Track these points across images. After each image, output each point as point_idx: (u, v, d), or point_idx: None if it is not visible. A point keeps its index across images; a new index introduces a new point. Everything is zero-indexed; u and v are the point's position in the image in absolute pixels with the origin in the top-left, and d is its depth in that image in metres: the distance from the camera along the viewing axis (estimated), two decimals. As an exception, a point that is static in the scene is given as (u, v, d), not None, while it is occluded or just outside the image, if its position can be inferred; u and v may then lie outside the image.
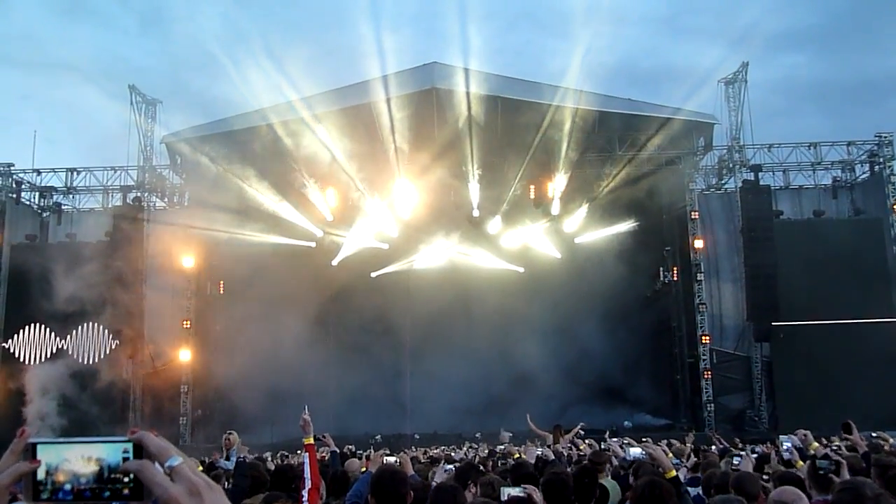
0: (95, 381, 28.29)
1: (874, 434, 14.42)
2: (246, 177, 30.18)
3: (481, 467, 9.33)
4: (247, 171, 30.20)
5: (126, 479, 1.35)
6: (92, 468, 1.36)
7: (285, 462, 14.12)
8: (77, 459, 1.37)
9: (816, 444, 7.91)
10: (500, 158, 29.69)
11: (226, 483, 8.02)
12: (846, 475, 5.50)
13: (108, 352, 29.93)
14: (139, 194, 31.95)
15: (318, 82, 29.63)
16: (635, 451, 9.27)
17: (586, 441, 13.82)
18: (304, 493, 5.80)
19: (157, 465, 1.35)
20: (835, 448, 9.58)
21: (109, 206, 32.57)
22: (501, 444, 16.99)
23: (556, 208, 31.16)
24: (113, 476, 1.36)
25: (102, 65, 63.42)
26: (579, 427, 15.88)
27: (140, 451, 1.36)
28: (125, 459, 1.36)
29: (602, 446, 12.87)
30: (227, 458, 10.40)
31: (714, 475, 7.18)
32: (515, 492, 5.20)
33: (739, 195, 30.68)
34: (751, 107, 30.99)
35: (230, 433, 11.11)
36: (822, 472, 5.60)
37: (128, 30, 72.49)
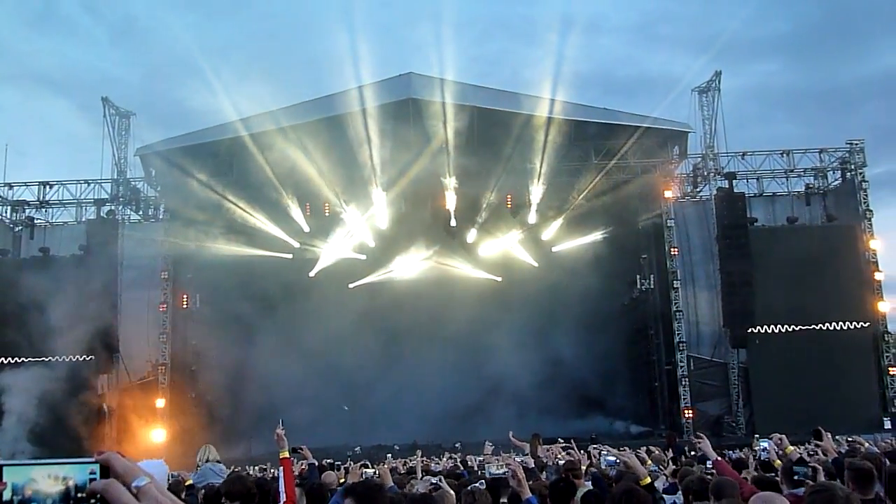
0: (70, 398, 27.90)
1: (849, 438, 14.57)
2: (221, 189, 30.02)
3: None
4: (222, 183, 30.05)
5: (93, 501, 1.34)
6: (58, 488, 1.35)
7: (264, 474, 13.99)
8: (43, 479, 1.35)
9: (792, 447, 7.98)
10: (477, 168, 29.74)
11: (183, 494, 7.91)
12: (822, 480, 5.54)
13: (82, 367, 29.54)
14: (113, 207, 31.64)
15: (294, 93, 29.68)
16: (610, 458, 9.29)
17: (565, 450, 13.82)
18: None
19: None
20: (811, 452, 9.66)
21: (83, 219, 32.24)
22: (482, 456, 16.95)
23: (532, 217, 31.28)
24: (79, 496, 1.35)
25: (74, 77, 62.98)
26: (559, 443, 15.86)
27: (107, 471, 1.36)
28: (92, 480, 1.35)
29: (585, 454, 12.88)
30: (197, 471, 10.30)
31: (691, 481, 7.19)
32: (500, 472, 5.20)
33: (714, 203, 30.97)
34: (724, 115, 31.39)
35: (206, 446, 10.98)
36: (797, 477, 5.66)
37: (99, 41, 71.94)
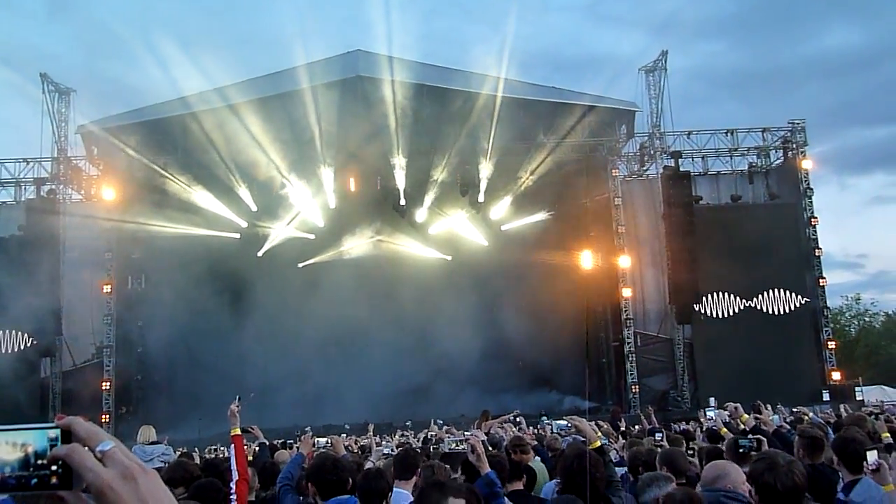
0: (12, 381, 27.32)
1: (794, 409, 15.03)
2: (166, 168, 29.50)
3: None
4: (167, 161, 29.53)
5: (54, 467, 1.26)
6: (17, 455, 1.27)
7: (215, 455, 13.86)
8: (1, 447, 1.27)
9: (746, 416, 8.18)
10: (426, 146, 29.68)
11: None
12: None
13: (24, 351, 28.95)
14: (54, 186, 30.89)
15: (240, 70, 29.20)
16: (560, 423, 9.42)
17: (517, 425, 13.99)
18: (232, 486, 5.69)
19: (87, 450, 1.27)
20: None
21: (23, 199, 31.44)
22: (432, 432, 17.03)
23: (482, 196, 31.34)
24: (40, 463, 1.27)
25: (10, 52, 60.93)
26: (513, 414, 16.06)
27: (69, 436, 1.27)
28: (53, 446, 1.27)
29: (536, 429, 13.06)
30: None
31: (639, 452, 7.33)
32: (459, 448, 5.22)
33: (660, 181, 31.39)
34: (671, 94, 31.74)
35: (142, 427, 10.85)
36: (742, 450, 5.80)
37: (35, 15, 69.76)
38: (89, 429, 1.28)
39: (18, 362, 28.30)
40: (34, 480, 1.27)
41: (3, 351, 28.54)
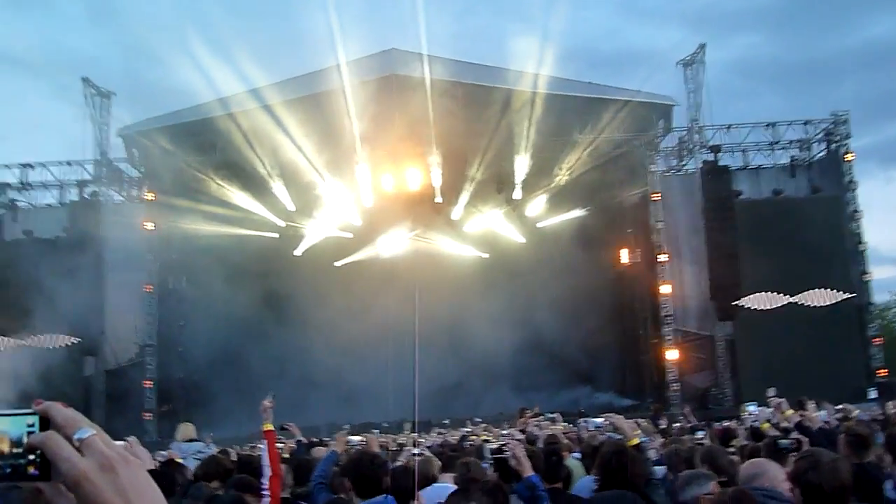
0: (57, 380, 27.79)
1: (838, 407, 14.71)
2: (205, 169, 29.81)
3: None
4: (206, 162, 29.85)
5: (31, 456, 1.18)
6: None
7: (251, 451, 13.95)
8: None
9: (791, 411, 8.00)
10: (462, 144, 29.61)
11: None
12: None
13: (69, 350, 29.45)
14: (96, 189, 31.41)
15: (277, 71, 29.36)
16: (596, 421, 9.31)
17: (555, 422, 13.89)
18: (265, 482, 5.68)
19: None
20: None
21: (66, 201, 32.01)
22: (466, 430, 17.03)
23: (518, 193, 31.20)
24: (15, 451, 1.18)
25: (52, 57, 62.10)
26: (535, 409, 15.96)
27: (47, 423, 1.19)
28: (30, 433, 1.18)
29: (574, 426, 12.97)
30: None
31: (679, 451, 7.21)
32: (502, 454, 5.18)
33: (700, 176, 30.98)
34: (709, 88, 31.31)
35: (181, 424, 10.96)
36: (783, 450, 5.66)
37: (76, 20, 70.91)
38: (67, 415, 1.20)
39: (63, 361, 28.80)
40: (9, 469, 1.19)
41: (48, 350, 29.04)
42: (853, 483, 3.85)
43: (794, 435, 6.52)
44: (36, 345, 28.55)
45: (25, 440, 1.18)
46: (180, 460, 9.08)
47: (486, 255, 32.59)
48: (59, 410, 1.20)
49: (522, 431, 12.32)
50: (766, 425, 8.47)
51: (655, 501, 4.90)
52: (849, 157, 31.27)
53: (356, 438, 8.51)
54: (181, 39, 29.41)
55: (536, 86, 27.91)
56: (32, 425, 1.19)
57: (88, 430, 1.18)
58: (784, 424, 7.79)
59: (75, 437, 1.17)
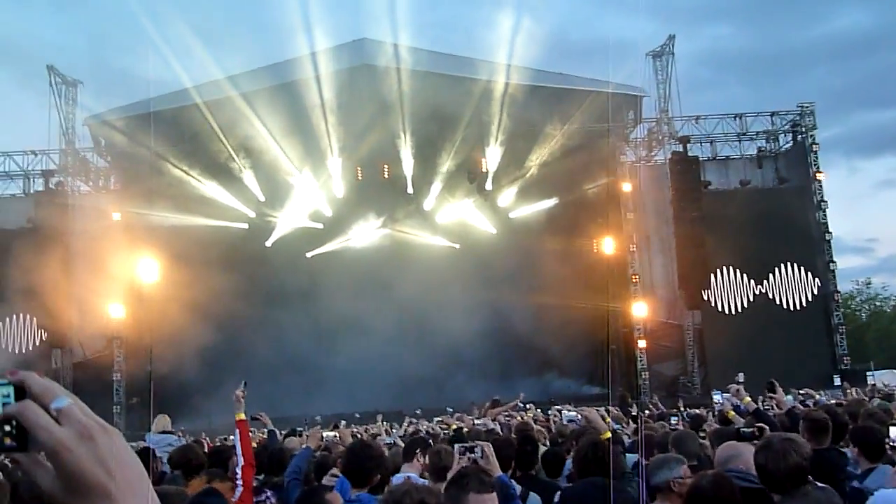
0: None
1: (801, 392, 14.97)
2: (174, 158, 29.51)
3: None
4: (174, 152, 29.55)
5: (7, 427, 1.14)
6: None
7: (223, 443, 13.90)
8: None
9: (748, 398, 8.16)
10: (433, 134, 29.60)
11: None
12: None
13: (36, 342, 29.10)
14: (62, 178, 31.00)
15: (246, 60, 29.15)
16: (570, 414, 9.38)
17: (525, 411, 14.01)
18: (238, 471, 5.67)
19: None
20: (766, 407, 9.88)
21: (31, 191, 31.54)
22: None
23: (489, 183, 31.25)
24: None
25: (16, 44, 60.84)
26: (519, 399, 16.15)
27: (23, 394, 1.15)
28: (6, 404, 1.15)
29: (547, 415, 13.08)
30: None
31: (652, 437, 7.32)
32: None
33: (669, 167, 31.25)
34: (678, 79, 31.59)
35: (158, 416, 10.90)
36: (744, 439, 5.77)
37: (41, 7, 69.61)
38: (44, 384, 1.16)
39: (31, 353, 28.45)
40: None
41: (15, 344, 28.66)
42: (810, 465, 3.94)
43: (745, 423, 6.66)
44: (2, 339, 28.15)
45: (1, 410, 1.15)
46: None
47: (458, 246, 32.61)
48: (36, 380, 1.17)
49: (494, 420, 12.42)
50: (731, 413, 8.61)
51: (627, 490, 4.97)
52: (815, 147, 31.65)
53: (330, 434, 8.50)
54: (149, 27, 29.09)
55: (507, 76, 27.96)
56: (8, 395, 1.16)
57: (65, 399, 1.16)
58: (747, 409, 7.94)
59: (52, 406, 1.14)
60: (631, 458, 6.74)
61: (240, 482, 5.55)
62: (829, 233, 31.01)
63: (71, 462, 1.12)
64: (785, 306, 29.84)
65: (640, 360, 29.95)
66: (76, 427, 1.14)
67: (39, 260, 27.48)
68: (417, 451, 6.19)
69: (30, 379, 1.16)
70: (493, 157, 30.18)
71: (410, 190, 31.22)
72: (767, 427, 6.12)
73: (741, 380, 9.41)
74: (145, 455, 8.53)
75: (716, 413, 11.16)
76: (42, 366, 28.89)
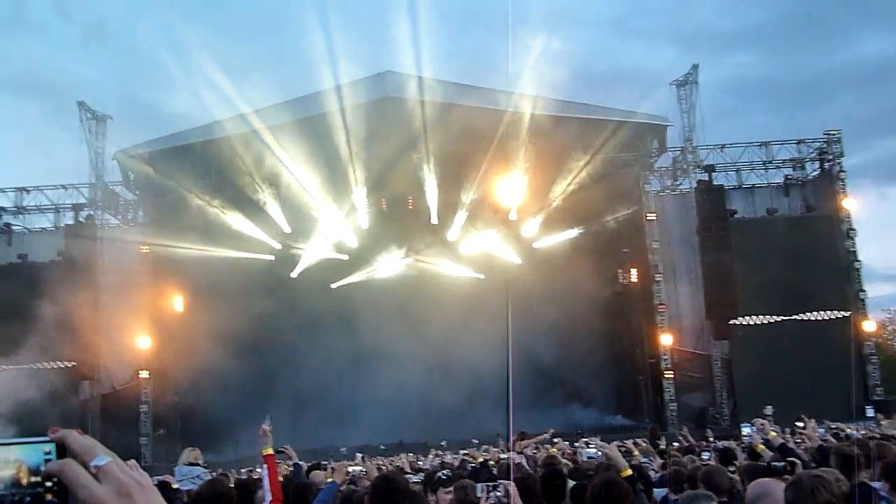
0: (52, 404, 27.65)
1: (832, 425, 14.69)
2: (201, 191, 29.85)
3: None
4: (201, 185, 29.89)
5: (49, 483, 1.19)
6: (9, 472, 1.20)
7: (249, 475, 13.88)
8: None
9: (774, 433, 8.03)
10: (457, 165, 29.72)
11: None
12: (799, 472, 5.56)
13: (65, 373, 29.32)
14: (91, 212, 31.42)
15: (272, 94, 29.51)
16: (590, 451, 9.28)
17: (553, 445, 13.89)
18: (266, 506, 5.67)
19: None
20: (797, 440, 9.72)
21: (61, 225, 31.99)
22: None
23: (513, 214, 31.26)
24: (33, 480, 1.20)
25: (47, 81, 62.06)
26: (549, 433, 16.05)
27: (64, 451, 1.20)
28: (47, 461, 1.20)
29: (574, 448, 12.97)
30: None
31: (681, 472, 7.21)
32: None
33: (694, 196, 31.10)
34: (702, 108, 31.52)
35: (187, 449, 10.91)
36: (776, 472, 5.67)
37: (71, 44, 71.05)
38: (84, 443, 1.21)
39: (59, 385, 28.65)
40: (28, 498, 1.20)
41: (43, 375, 28.89)
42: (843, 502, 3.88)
43: (775, 456, 6.55)
44: (32, 369, 28.39)
45: (43, 468, 1.20)
46: (176, 485, 9.04)
47: (483, 276, 32.56)
48: (76, 438, 1.21)
49: (520, 453, 12.31)
50: (761, 447, 8.49)
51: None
52: (842, 175, 31.37)
53: (356, 468, 8.47)
54: (177, 63, 29.61)
55: (531, 107, 28.06)
56: (49, 453, 1.21)
57: (105, 458, 1.20)
58: (778, 444, 7.81)
59: (92, 464, 1.19)
60: (659, 492, 6.65)
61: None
62: (857, 261, 30.60)
63: None
64: (814, 336, 29.37)
65: (668, 391, 29.60)
66: (115, 485, 1.18)
67: (69, 292, 27.76)
68: (429, 492, 6.15)
69: (70, 437, 1.21)
70: (517, 187, 30.19)
71: (435, 220, 31.29)
72: (799, 462, 6.02)
73: (769, 412, 9.27)
74: (164, 489, 8.55)
75: (744, 446, 11.00)
76: (70, 397, 29.12)
